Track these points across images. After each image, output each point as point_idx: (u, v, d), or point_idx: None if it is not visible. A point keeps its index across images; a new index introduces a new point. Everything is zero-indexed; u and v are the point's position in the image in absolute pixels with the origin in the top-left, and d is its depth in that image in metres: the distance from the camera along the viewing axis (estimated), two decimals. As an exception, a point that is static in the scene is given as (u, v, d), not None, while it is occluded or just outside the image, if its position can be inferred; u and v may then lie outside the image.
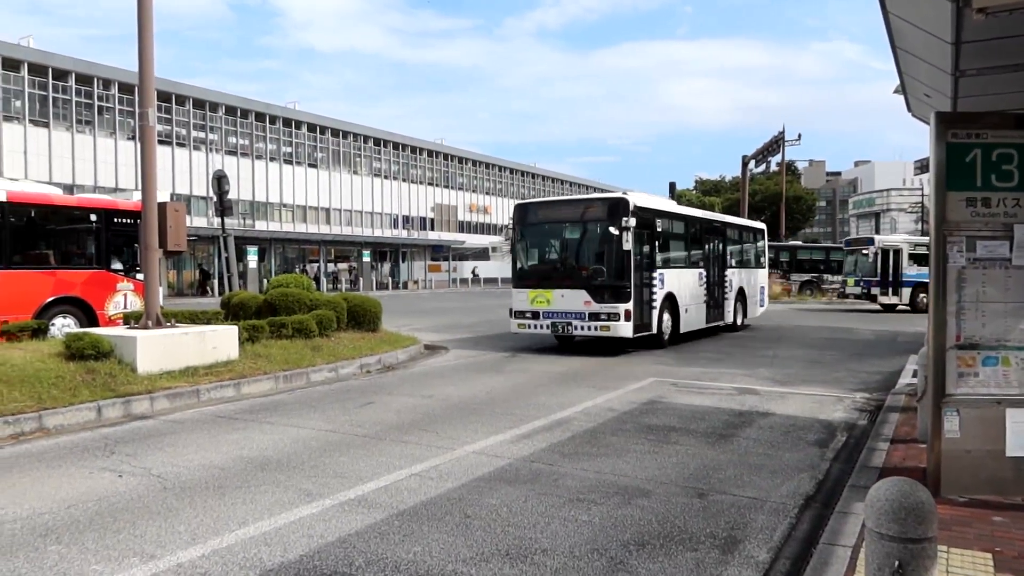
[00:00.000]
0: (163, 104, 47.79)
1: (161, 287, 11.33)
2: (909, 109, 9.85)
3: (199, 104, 51.74)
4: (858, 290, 29.07)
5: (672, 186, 49.07)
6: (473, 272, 64.47)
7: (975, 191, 5.03)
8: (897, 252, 27.74)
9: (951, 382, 5.06)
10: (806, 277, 39.46)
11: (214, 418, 8.24)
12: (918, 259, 27.31)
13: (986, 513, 4.72)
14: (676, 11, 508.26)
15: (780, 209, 43.63)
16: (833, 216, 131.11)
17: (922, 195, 68.72)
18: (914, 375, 9.55)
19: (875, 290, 27.85)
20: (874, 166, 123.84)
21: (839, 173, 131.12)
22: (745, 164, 40.82)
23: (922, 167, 58.46)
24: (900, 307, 28.19)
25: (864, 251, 28.58)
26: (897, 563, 2.79)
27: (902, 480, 2.95)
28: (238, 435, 7.36)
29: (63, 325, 12.44)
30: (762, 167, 42.76)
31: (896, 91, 9.55)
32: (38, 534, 4.63)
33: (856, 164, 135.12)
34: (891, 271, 27.60)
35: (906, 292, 27.44)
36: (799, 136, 39.98)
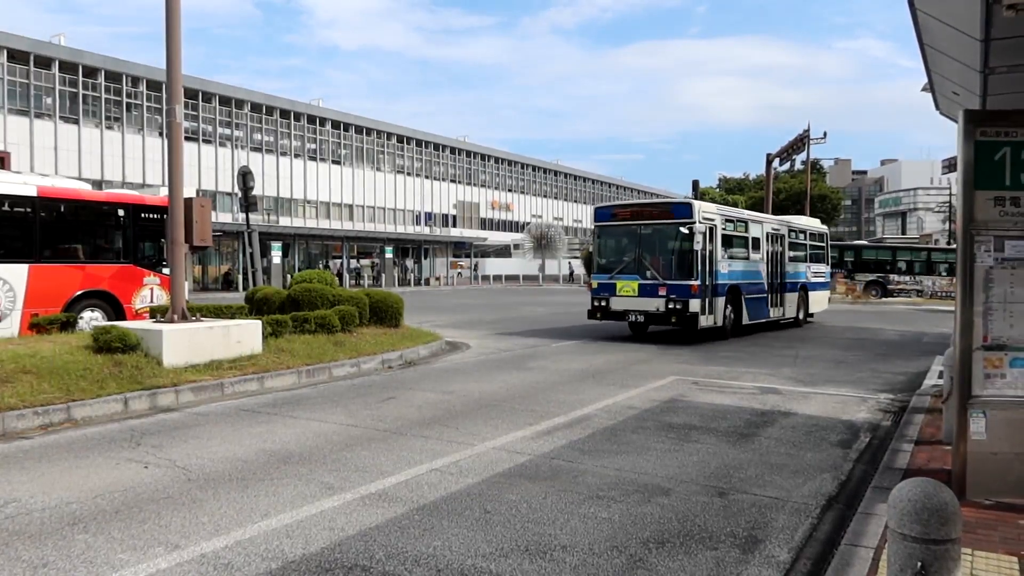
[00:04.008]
0: (190, 101, 48.34)
1: (187, 281, 11.47)
2: (937, 107, 9.74)
3: (225, 101, 52.28)
4: (654, 305, 15.41)
5: (695, 184, 48.79)
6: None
7: (1004, 190, 4.96)
8: (712, 234, 15.98)
9: (978, 383, 5.00)
10: (871, 277, 38.69)
11: (238, 411, 8.34)
12: (731, 247, 17.01)
13: (1013, 516, 4.66)
14: (690, 11, 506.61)
15: (805, 208, 43.15)
16: (859, 215, 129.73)
17: (950, 194, 67.76)
18: (940, 376, 9.44)
19: (694, 303, 15.12)
20: (901, 165, 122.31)
21: (865, 172, 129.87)
22: (769, 162, 40.46)
23: (950, 166, 57.68)
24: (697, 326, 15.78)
25: (683, 228, 15.25)
26: (919, 564, 2.76)
27: (925, 481, 2.92)
28: (261, 428, 7.44)
29: (91, 318, 12.63)
30: (786, 165, 42.34)
31: (924, 89, 9.45)
32: (66, 523, 4.72)
33: (883, 163, 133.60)
34: (708, 267, 15.70)
35: (719, 304, 16.05)
36: (824, 134, 39.47)
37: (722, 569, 4.14)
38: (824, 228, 24.14)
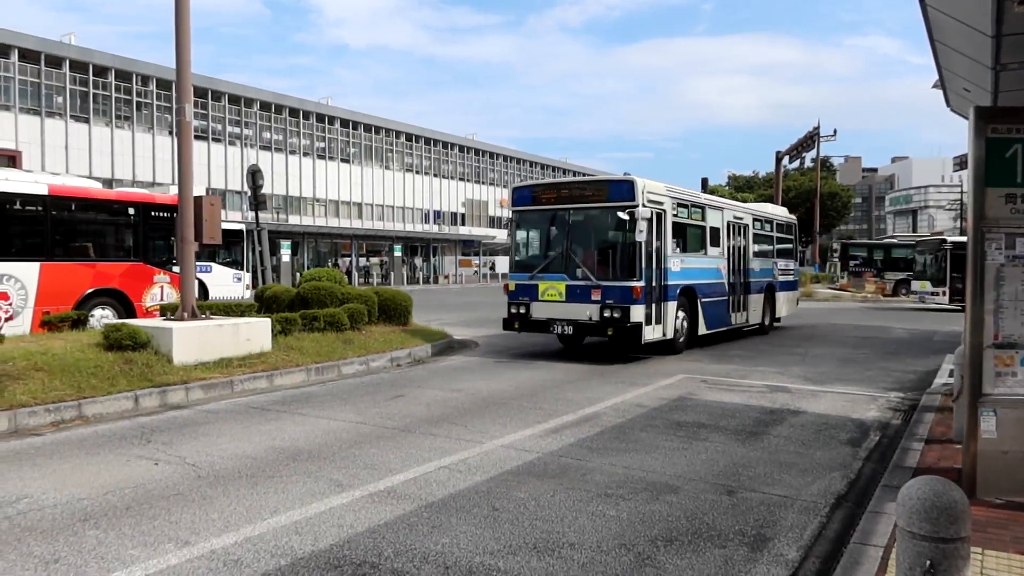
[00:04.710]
0: (200, 100, 48.49)
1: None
2: (948, 104, 9.69)
3: (235, 100, 52.42)
4: (586, 312, 12.22)
5: (704, 181, 48.71)
6: None
7: (1015, 187, 4.92)
8: (661, 221, 12.75)
9: (988, 382, 4.96)
10: (901, 276, 38.42)
11: (247, 409, 8.37)
12: (685, 239, 13.88)
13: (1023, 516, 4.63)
14: (696, 8, 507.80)
15: (814, 206, 42.99)
16: (869, 213, 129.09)
17: (961, 192, 67.36)
18: (951, 375, 9.38)
19: (637, 309, 11.92)
20: (912, 162, 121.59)
21: (875, 170, 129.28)
22: (779, 160, 40.33)
23: (961, 163, 57.37)
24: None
25: (623, 213, 11.99)
26: (928, 563, 2.75)
27: (935, 479, 2.91)
28: (271, 426, 7.47)
29: (102, 316, 12.71)
30: (796, 163, 42.26)
31: (935, 86, 9.40)
32: (77, 519, 4.75)
33: (893, 160, 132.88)
34: (655, 264, 12.48)
35: (669, 310, 12.73)
36: (835, 132, 39.51)
37: (730, 567, 4.14)
38: (792, 218, 20.85)
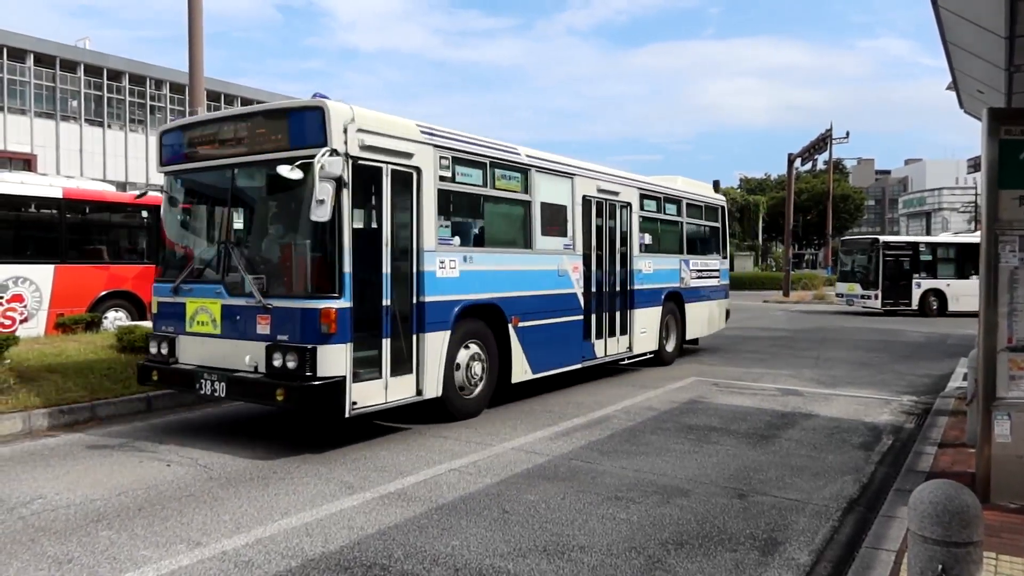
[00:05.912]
0: (212, 104, 48.76)
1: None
2: (961, 106, 9.62)
3: (247, 104, 52.71)
4: (248, 356, 6.54)
5: (716, 184, 48.55)
6: None
7: (1029, 189, 4.88)
8: (412, 185, 7.12)
9: (1002, 385, 4.93)
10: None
11: (259, 410, 8.40)
12: (480, 219, 8.51)
13: (1037, 520, 4.59)
14: (704, 12, 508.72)
15: (827, 208, 42.79)
16: (882, 216, 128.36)
17: (975, 194, 66.93)
18: (964, 378, 9.31)
19: (329, 353, 6.17)
20: (925, 164, 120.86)
21: (889, 172, 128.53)
22: (791, 162, 40.12)
23: (975, 165, 56.99)
24: None
25: (294, 169, 6.20)
26: (940, 567, 2.74)
27: (947, 483, 2.89)
28: (281, 427, 7.49)
29: (115, 318, 12.79)
30: (808, 165, 41.95)
31: (948, 88, 9.33)
32: (90, 520, 4.79)
33: (906, 162, 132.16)
34: (385, 264, 6.83)
35: (431, 347, 7.19)
36: (847, 134, 39.27)
37: (741, 571, 4.12)
38: (719, 199, 14.79)
